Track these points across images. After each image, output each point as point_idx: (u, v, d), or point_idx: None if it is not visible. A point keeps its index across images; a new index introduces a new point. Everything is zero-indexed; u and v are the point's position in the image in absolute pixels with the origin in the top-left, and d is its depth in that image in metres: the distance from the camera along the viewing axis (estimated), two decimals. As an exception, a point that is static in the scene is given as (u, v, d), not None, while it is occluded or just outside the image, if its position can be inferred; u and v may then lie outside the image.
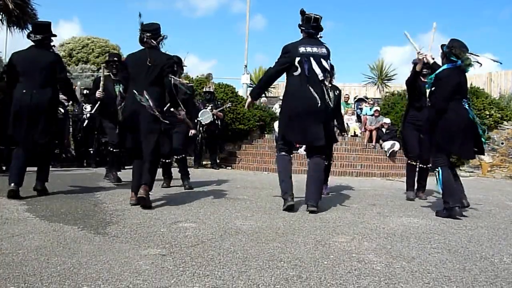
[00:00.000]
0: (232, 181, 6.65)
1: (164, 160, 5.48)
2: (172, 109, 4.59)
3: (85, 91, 9.69)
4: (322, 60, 4.05)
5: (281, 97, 4.73)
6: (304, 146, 8.93)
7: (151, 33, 4.08)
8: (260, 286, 2.02)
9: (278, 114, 5.70)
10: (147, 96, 3.89)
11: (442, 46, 4.19)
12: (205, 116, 9.33)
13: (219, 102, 9.93)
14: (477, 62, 4.09)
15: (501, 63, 4.22)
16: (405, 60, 55.38)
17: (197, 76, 11.12)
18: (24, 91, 4.21)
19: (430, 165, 4.43)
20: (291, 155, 4.38)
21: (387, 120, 10.78)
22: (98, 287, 1.93)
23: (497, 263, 2.55)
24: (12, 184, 4.14)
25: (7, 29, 12.06)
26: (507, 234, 3.42)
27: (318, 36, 4.19)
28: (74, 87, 9.61)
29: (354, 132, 11.68)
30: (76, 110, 9.18)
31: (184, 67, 5.57)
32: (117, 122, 4.43)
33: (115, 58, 5.63)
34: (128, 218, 3.43)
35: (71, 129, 9.02)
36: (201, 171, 8.59)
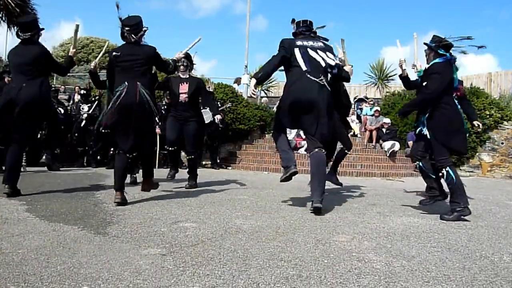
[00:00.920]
0: (232, 181, 6.65)
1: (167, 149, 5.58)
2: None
3: (82, 91, 9.70)
4: (319, 51, 4.10)
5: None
6: (304, 146, 8.95)
7: (130, 27, 4.02)
8: (260, 285, 2.02)
9: None
10: (142, 89, 3.96)
11: (425, 43, 4.13)
12: (205, 116, 9.31)
13: (219, 102, 9.93)
14: (463, 52, 4.08)
15: (485, 47, 4.19)
16: (406, 61, 55.23)
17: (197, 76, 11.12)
18: (14, 85, 4.22)
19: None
20: (286, 135, 4.41)
21: (387, 120, 10.78)
22: (98, 286, 1.93)
23: (497, 262, 2.55)
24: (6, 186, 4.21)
25: (7, 29, 12.08)
26: (507, 233, 3.43)
27: (313, 32, 4.27)
28: (75, 87, 9.56)
29: (354, 132, 11.69)
30: (74, 111, 9.20)
31: (193, 64, 5.72)
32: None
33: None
34: (128, 218, 3.43)
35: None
36: (201, 171, 8.56)
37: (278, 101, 4.51)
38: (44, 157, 4.17)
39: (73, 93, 12.45)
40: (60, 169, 7.52)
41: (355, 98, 14.76)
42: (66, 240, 2.70)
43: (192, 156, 5.52)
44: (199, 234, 2.96)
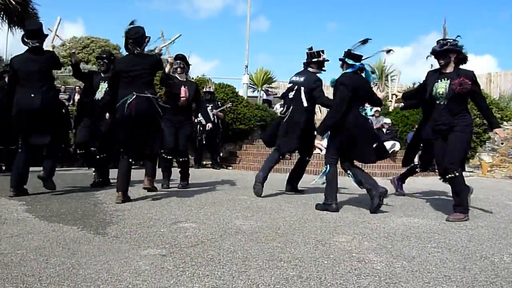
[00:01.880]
0: (233, 181, 6.64)
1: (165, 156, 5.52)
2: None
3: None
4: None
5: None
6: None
7: (134, 40, 4.16)
8: (260, 286, 2.01)
9: (278, 114, 5.75)
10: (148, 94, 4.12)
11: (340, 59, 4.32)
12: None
13: (219, 102, 9.92)
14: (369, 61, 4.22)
15: (393, 51, 4.38)
16: (406, 61, 55.32)
17: (197, 76, 11.09)
18: (25, 93, 4.22)
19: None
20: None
21: (387, 120, 10.77)
22: (98, 287, 1.93)
23: (497, 263, 2.54)
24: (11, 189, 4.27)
25: (8, 29, 12.08)
26: (507, 233, 3.42)
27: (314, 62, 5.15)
28: (75, 87, 9.56)
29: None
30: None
31: (189, 65, 5.72)
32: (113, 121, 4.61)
33: (104, 55, 5.56)
34: (128, 218, 3.42)
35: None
36: (202, 171, 8.59)
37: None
38: (41, 169, 4.18)
39: (73, 93, 12.46)
40: (60, 169, 7.52)
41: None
42: (65, 240, 2.69)
43: (186, 159, 5.62)
44: (199, 235, 2.95)
